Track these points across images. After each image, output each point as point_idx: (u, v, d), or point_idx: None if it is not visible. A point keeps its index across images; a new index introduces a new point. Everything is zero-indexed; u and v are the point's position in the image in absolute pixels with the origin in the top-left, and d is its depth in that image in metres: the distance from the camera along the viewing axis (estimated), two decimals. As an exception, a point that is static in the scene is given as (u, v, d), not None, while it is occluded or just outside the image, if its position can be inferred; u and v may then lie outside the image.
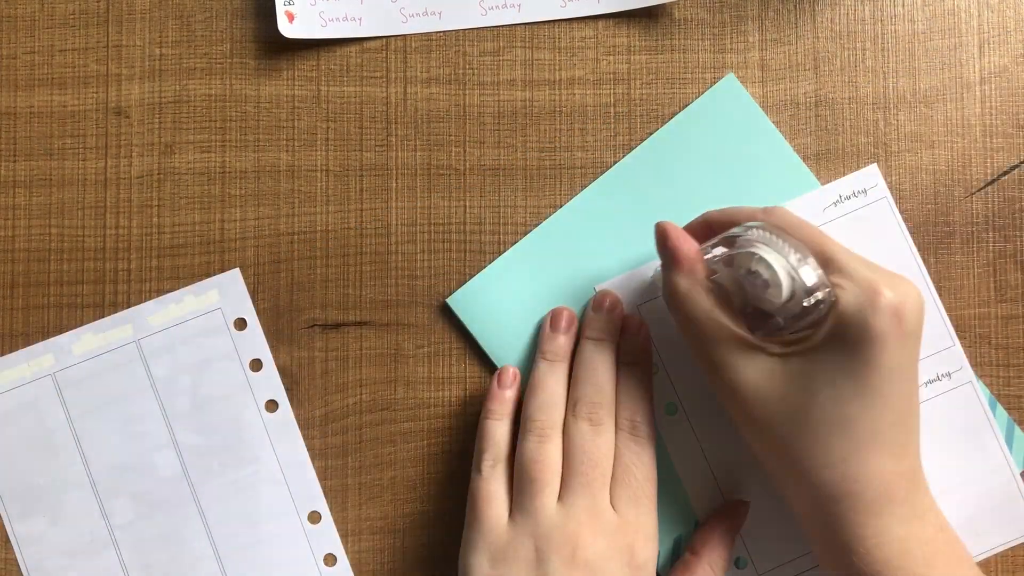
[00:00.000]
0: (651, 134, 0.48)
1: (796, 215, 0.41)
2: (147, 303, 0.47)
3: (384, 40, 0.48)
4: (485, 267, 0.47)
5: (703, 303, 0.40)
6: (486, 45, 0.48)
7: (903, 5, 0.48)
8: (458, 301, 0.47)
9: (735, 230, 0.41)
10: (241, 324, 0.47)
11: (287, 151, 0.48)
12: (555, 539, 0.41)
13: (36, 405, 0.46)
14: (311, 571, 0.47)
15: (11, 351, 0.47)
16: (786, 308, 0.39)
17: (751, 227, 0.41)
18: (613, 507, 0.43)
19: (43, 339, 0.47)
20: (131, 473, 0.46)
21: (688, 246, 0.41)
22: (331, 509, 0.47)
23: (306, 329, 0.47)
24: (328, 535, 0.47)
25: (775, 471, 0.41)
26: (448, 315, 0.47)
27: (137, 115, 0.48)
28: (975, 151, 0.48)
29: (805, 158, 0.48)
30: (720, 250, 0.41)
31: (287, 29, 0.46)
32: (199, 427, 0.47)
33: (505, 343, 0.47)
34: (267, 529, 0.47)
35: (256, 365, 0.47)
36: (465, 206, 0.48)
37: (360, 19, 0.47)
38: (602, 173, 0.48)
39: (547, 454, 0.43)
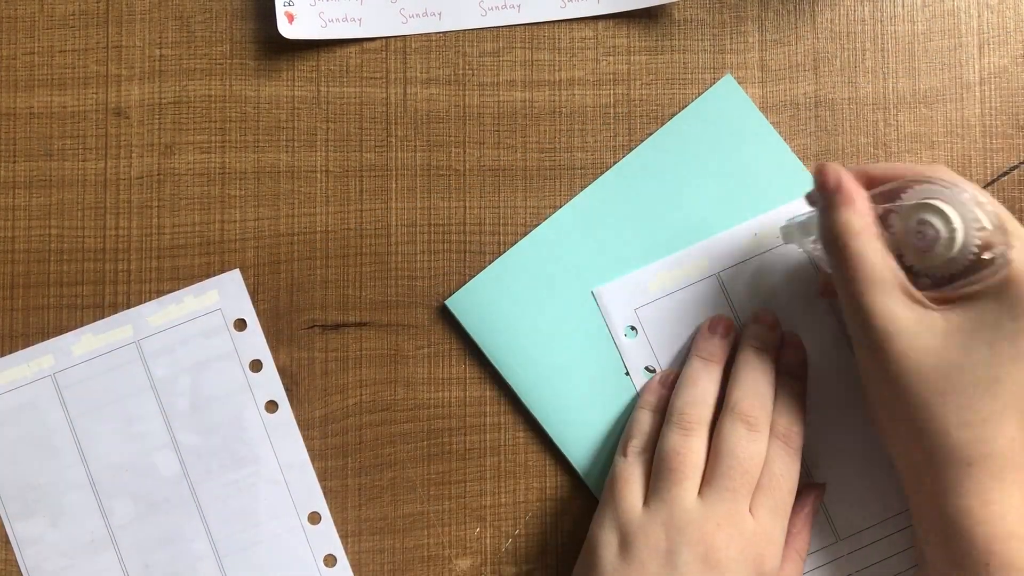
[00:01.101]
0: (651, 135, 0.48)
1: (959, 176, 0.41)
2: (147, 304, 0.47)
3: (384, 41, 0.48)
4: (485, 268, 0.47)
5: (876, 244, 0.40)
6: (486, 46, 0.48)
7: (903, 5, 0.48)
8: (457, 302, 0.47)
9: (906, 181, 0.40)
10: (241, 325, 0.47)
11: (287, 152, 0.48)
12: (690, 534, 0.41)
13: (36, 405, 0.46)
14: (311, 571, 0.47)
15: (11, 351, 0.47)
16: (948, 264, 0.39)
17: (929, 179, 0.40)
18: (752, 513, 0.42)
19: (43, 340, 0.47)
20: (131, 473, 0.46)
21: (860, 188, 0.41)
22: (331, 509, 0.47)
23: (306, 330, 0.47)
24: (328, 535, 0.47)
25: (895, 427, 0.41)
26: (448, 316, 0.47)
27: (137, 115, 0.48)
28: (975, 151, 0.48)
29: (805, 159, 0.48)
30: (883, 203, 0.41)
31: (287, 30, 0.46)
32: (199, 427, 0.47)
33: (504, 344, 0.47)
34: (267, 529, 0.47)
35: (256, 366, 0.47)
36: (465, 207, 0.48)
37: (360, 20, 0.47)
38: (602, 174, 0.48)
39: (690, 447, 0.43)
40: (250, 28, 0.48)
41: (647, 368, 0.47)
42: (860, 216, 0.40)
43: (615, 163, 0.48)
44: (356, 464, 0.47)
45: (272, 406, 0.47)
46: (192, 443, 0.47)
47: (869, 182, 0.42)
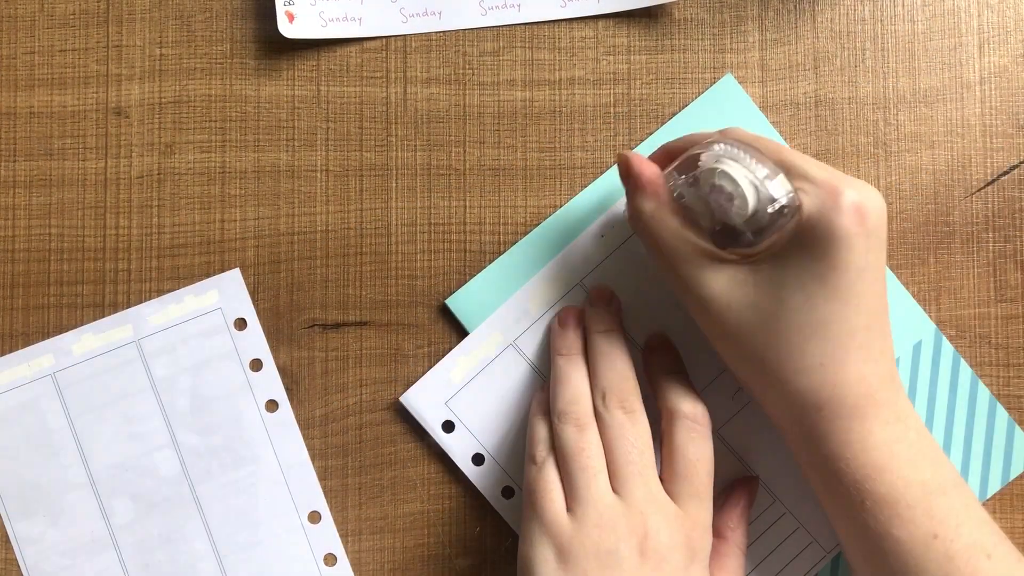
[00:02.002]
0: (651, 134, 0.48)
1: (751, 132, 0.42)
2: (147, 303, 0.47)
3: (384, 40, 0.48)
4: (485, 267, 0.47)
5: (669, 222, 0.41)
6: (486, 45, 0.48)
7: (903, 5, 0.48)
8: (457, 302, 0.47)
9: (695, 150, 0.42)
10: (241, 324, 0.47)
11: (287, 151, 0.48)
12: (621, 528, 0.40)
13: (36, 405, 0.46)
14: (311, 571, 0.47)
15: (11, 351, 0.47)
16: (753, 220, 0.39)
17: (711, 145, 0.41)
18: (672, 498, 0.42)
19: (43, 339, 0.47)
20: (131, 473, 0.46)
21: (650, 170, 0.42)
22: (331, 509, 0.47)
23: (306, 329, 0.47)
24: (328, 535, 0.47)
25: (753, 384, 0.41)
26: (448, 315, 0.47)
27: (137, 115, 0.48)
28: (975, 151, 0.48)
29: (805, 158, 0.48)
30: (681, 175, 0.42)
31: (287, 29, 0.46)
32: (199, 427, 0.47)
33: (505, 343, 0.47)
34: (267, 529, 0.47)
35: (256, 365, 0.47)
36: (465, 206, 0.48)
37: (360, 19, 0.47)
38: (602, 173, 0.48)
39: (589, 441, 0.42)
40: (250, 27, 0.48)
41: None
42: (651, 199, 0.42)
43: (615, 163, 0.48)
44: (356, 463, 0.47)
45: (272, 405, 0.47)
46: (192, 443, 0.47)
47: (670, 158, 0.43)
